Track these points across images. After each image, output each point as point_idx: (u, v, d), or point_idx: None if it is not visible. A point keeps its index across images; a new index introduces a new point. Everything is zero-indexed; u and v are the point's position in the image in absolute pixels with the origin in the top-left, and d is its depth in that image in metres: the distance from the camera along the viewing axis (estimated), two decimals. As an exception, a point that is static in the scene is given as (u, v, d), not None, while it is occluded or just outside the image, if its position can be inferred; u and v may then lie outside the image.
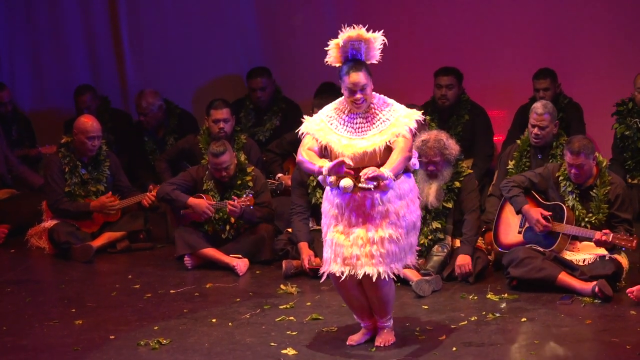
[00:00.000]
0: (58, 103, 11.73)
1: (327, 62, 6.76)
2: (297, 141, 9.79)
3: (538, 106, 8.98)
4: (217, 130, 9.73)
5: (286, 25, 11.34)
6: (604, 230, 7.90)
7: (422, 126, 8.86)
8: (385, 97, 6.82)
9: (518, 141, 9.16)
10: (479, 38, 10.81)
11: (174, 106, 10.99)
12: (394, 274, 6.74)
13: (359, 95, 6.67)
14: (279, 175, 9.96)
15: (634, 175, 9.73)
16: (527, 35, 10.71)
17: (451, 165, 8.46)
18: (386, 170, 6.50)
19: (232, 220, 9.02)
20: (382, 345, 6.90)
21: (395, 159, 6.58)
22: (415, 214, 6.80)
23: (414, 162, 6.81)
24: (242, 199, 8.92)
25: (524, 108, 10.03)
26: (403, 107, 6.80)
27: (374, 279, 6.65)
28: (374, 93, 6.77)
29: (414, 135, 6.77)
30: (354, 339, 7.03)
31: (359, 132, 6.72)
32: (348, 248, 6.66)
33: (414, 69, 10.74)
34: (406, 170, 6.76)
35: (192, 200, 9.03)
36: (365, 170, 6.48)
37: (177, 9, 11.62)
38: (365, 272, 6.63)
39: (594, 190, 8.14)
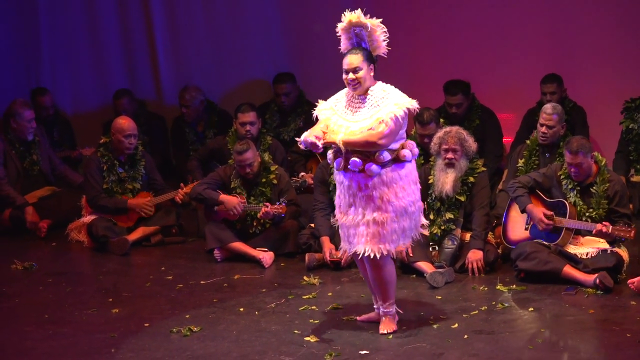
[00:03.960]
0: (97, 106, 11.76)
1: (341, 50, 6.74)
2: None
3: (548, 107, 9.02)
4: (244, 132, 9.76)
5: (309, 32, 11.31)
6: (603, 223, 7.89)
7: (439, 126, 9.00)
8: (387, 85, 6.74)
9: (527, 141, 9.19)
10: (490, 45, 10.79)
11: (214, 105, 11.11)
12: (396, 258, 6.84)
13: (351, 76, 6.66)
14: (302, 173, 9.98)
15: (638, 169, 9.75)
16: (535, 42, 10.66)
17: (468, 159, 8.47)
18: (337, 137, 6.59)
19: (259, 215, 8.99)
20: (385, 332, 6.90)
21: (357, 136, 6.59)
22: (406, 200, 6.71)
23: (405, 153, 6.71)
24: (276, 206, 8.87)
25: (531, 111, 10.05)
26: (399, 95, 6.69)
27: (359, 256, 6.80)
28: (379, 82, 6.74)
29: (400, 124, 6.61)
30: (362, 316, 7.19)
31: (355, 114, 6.72)
32: (345, 228, 6.82)
33: (426, 75, 10.72)
34: (397, 160, 6.69)
35: (223, 196, 9.02)
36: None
37: (207, 19, 11.62)
38: (356, 251, 6.78)
39: (594, 187, 8.11)
